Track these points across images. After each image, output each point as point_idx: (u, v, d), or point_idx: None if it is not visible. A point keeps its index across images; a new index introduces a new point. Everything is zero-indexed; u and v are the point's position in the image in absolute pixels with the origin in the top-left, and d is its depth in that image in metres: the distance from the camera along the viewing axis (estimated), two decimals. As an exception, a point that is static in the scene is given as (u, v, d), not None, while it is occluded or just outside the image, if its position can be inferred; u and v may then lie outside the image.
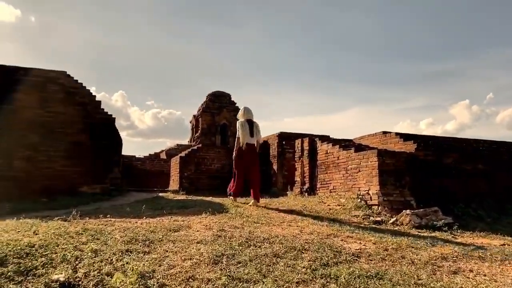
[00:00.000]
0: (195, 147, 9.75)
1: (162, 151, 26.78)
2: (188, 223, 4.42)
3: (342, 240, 4.17)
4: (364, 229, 4.84)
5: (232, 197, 6.71)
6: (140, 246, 3.31)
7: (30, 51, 74.71)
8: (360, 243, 4.10)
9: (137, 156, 26.56)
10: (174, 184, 10.02)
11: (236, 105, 27.59)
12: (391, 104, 67.70)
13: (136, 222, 4.38)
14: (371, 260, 3.50)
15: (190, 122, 28.82)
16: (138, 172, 13.79)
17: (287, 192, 8.65)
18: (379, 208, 6.03)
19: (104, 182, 8.49)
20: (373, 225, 5.31)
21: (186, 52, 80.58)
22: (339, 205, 6.49)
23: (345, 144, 7.73)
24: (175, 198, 7.93)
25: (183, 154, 9.81)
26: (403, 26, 65.73)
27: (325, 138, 8.39)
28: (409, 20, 65.09)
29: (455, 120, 76.66)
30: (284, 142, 9.59)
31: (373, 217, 5.68)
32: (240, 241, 3.66)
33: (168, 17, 77.19)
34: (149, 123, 66.18)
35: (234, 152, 6.56)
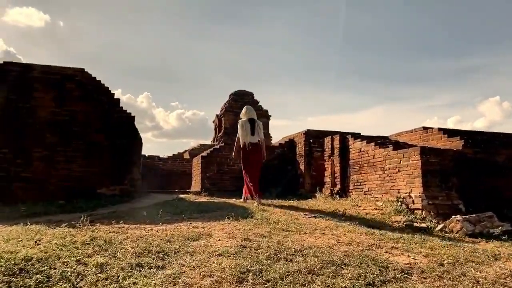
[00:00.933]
0: (217, 146, 9.34)
1: (186, 151, 26.68)
2: (209, 230, 3.98)
3: (386, 252, 3.61)
4: (409, 238, 4.25)
5: (250, 201, 6.63)
6: (153, 260, 2.88)
7: (59, 55, 77.30)
8: (408, 255, 3.53)
9: (160, 156, 26.63)
10: (196, 185, 9.65)
11: (259, 104, 27.19)
12: (416, 101, 65.49)
13: (152, 229, 3.97)
14: (425, 278, 2.95)
15: (213, 122, 28.66)
16: (160, 173, 13.56)
17: (316, 194, 8.10)
18: (423, 212, 5.40)
19: (123, 184, 8.20)
20: (419, 233, 4.70)
21: (209, 53, 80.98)
22: (376, 209, 5.90)
23: (380, 141, 7.11)
24: (196, 200, 7.55)
25: (204, 153, 9.42)
26: (427, 22, 63.37)
27: (357, 135, 7.78)
28: (433, 15, 62.70)
29: (485, 117, 73.40)
30: (311, 141, 9.04)
31: (417, 223, 5.06)
32: (268, 253, 3.18)
33: (191, 19, 77.81)
34: (174, 124, 67.13)
35: (233, 153, 6.69)
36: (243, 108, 6.65)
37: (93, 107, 8.12)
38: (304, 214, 5.37)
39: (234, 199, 8.13)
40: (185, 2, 78.55)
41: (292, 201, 7.57)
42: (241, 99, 27.32)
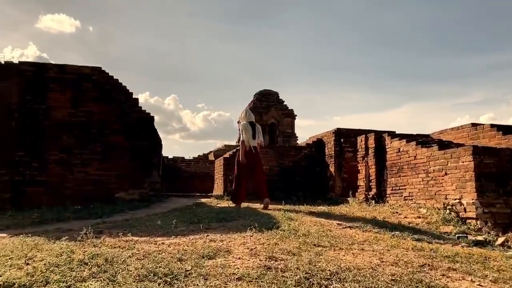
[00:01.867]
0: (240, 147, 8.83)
1: (211, 152, 26.42)
2: (228, 244, 3.46)
3: (443, 275, 2.97)
4: (467, 256, 3.57)
5: (234, 204, 6.59)
6: (159, 285, 2.38)
7: (89, 59, 79.99)
8: (472, 280, 2.89)
9: (186, 158, 26.49)
10: (218, 188, 9.19)
11: (285, 103, 26.60)
12: (445, 99, 62.87)
13: (163, 243, 3.49)
14: (501, 315, 2.29)
15: (238, 123, 28.23)
16: (183, 175, 13.24)
17: (348, 199, 7.44)
18: (478, 222, 4.67)
19: (142, 187, 7.85)
20: (476, 248, 4.00)
21: (234, 54, 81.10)
22: (419, 218, 5.21)
23: (422, 140, 6.38)
24: (217, 206, 7.07)
25: (227, 155, 8.95)
26: (456, 17, 60.64)
27: (394, 134, 7.06)
28: (459, 9, 59.90)
29: (521, 114, 69.41)
30: (342, 140, 8.38)
31: (472, 235, 4.35)
32: (298, 277, 2.63)
33: (217, 20, 78.20)
34: (200, 125, 67.85)
35: (240, 156, 6.52)
36: (243, 112, 6.65)
37: (111, 107, 7.82)
38: (338, 224, 4.76)
39: (258, 203, 7.60)
40: (210, 5, 78.97)
41: (322, 207, 6.95)
42: (265, 99, 26.82)
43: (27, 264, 2.70)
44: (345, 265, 2.99)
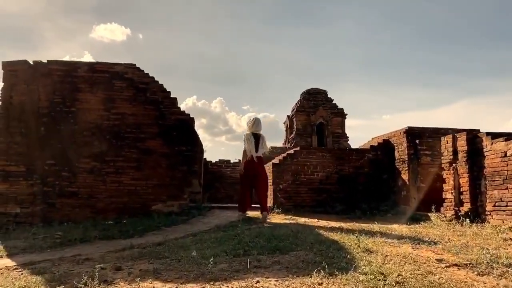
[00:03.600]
0: (292, 151, 7.65)
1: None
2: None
3: None
4: None
5: (239, 213, 6.39)
6: None
7: (140, 65, 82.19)
8: None
9: (232, 160, 25.69)
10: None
11: (334, 102, 25.05)
12: (503, 94, 57.16)
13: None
14: None
15: (284, 124, 27.21)
16: (228, 180, 12.32)
17: (429, 215, 6.00)
18: None
19: (181, 198, 6.94)
20: None
21: (278, 55, 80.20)
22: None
23: (536, 140, 4.81)
24: (267, 222, 5.93)
25: (276, 160, 7.80)
26: (508, 7, 54.87)
27: (495, 134, 5.51)
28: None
29: None
30: (417, 142, 6.91)
31: None
32: None
33: (261, 23, 77.74)
34: (246, 127, 67.42)
35: (242, 166, 6.42)
36: (250, 121, 6.50)
37: (146, 108, 6.99)
38: (438, 261, 3.42)
39: (316, 219, 6.36)
40: (254, 7, 78.70)
41: (398, 226, 5.59)
42: (313, 98, 25.45)
43: None
44: None
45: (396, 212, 6.92)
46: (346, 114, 25.22)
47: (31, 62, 6.66)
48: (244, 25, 78.93)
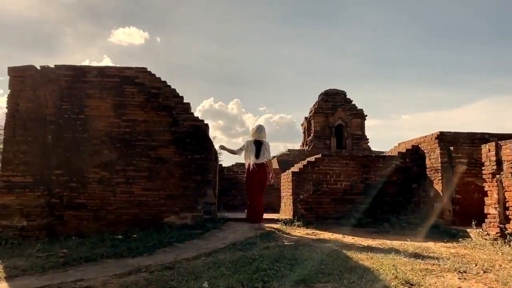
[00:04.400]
0: (313, 159, 7.13)
1: (274, 157, 24.91)
2: None
3: None
4: None
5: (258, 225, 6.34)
6: None
7: (157, 68, 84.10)
8: None
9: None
10: (286, 208, 7.58)
11: (353, 103, 24.36)
12: None
13: None
14: None
15: (302, 125, 26.64)
16: (243, 187, 11.82)
17: (468, 230, 5.40)
18: None
19: (195, 210, 6.53)
20: None
21: (295, 56, 79.76)
22: None
23: None
24: (288, 237, 5.46)
25: (296, 168, 7.30)
26: None
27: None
28: None
29: None
30: (452, 149, 6.31)
31: None
32: None
33: (277, 24, 77.41)
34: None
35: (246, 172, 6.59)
36: (254, 129, 6.52)
37: (158, 114, 6.63)
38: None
39: (341, 234, 5.84)
40: (270, 8, 78.45)
41: (434, 244, 5.02)
42: (331, 99, 24.82)
43: None
44: None
45: (428, 226, 6.32)
46: (366, 115, 24.45)
47: (38, 67, 6.37)
48: (261, 26, 78.78)
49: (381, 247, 4.86)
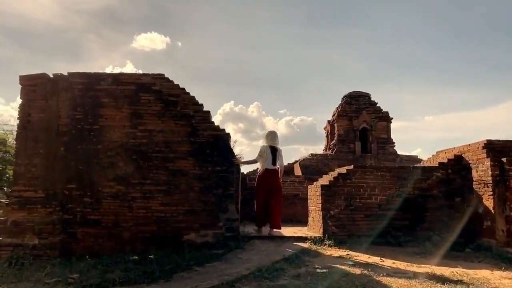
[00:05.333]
0: (344, 170, 6.51)
1: (296, 162, 24.20)
2: None
3: None
4: None
5: (257, 227, 6.77)
6: None
7: (178, 73, 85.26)
8: None
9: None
10: (314, 224, 6.97)
11: (378, 105, 23.47)
12: None
13: None
14: None
15: (325, 129, 25.90)
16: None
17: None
18: None
19: (216, 227, 6.04)
20: None
21: (315, 58, 78.84)
22: None
23: None
24: (320, 262, 4.87)
25: (325, 181, 6.68)
26: None
27: None
28: None
29: None
30: (505, 160, 5.56)
31: None
32: None
33: (297, 26, 76.74)
34: (283, 131, 68.08)
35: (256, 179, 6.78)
36: (268, 135, 6.67)
37: (177, 124, 6.20)
38: None
39: (379, 258, 5.20)
40: (290, 11, 77.99)
41: (490, 272, 4.34)
42: (355, 101, 23.97)
43: None
44: None
45: (477, 247, 5.61)
46: (392, 118, 23.52)
47: (51, 75, 6.02)
48: (281, 29, 78.33)
49: (427, 273, 4.22)
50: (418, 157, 23.56)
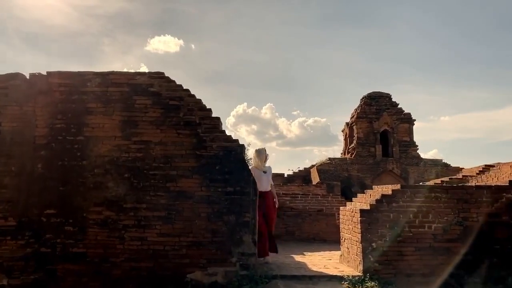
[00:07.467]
0: (389, 191, 5.17)
1: (313, 166, 22.88)
2: None
3: None
4: None
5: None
6: None
7: (192, 75, 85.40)
8: None
9: (286, 173, 23.24)
10: (349, 256, 5.63)
11: (399, 106, 21.93)
12: None
13: None
14: None
15: (343, 132, 24.51)
16: (288, 213, 9.97)
17: None
18: None
19: (228, 263, 4.81)
20: None
21: (329, 59, 77.57)
22: None
23: None
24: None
25: (365, 204, 5.36)
26: None
27: None
28: None
29: None
30: None
31: None
32: None
33: (310, 27, 75.54)
34: (296, 132, 67.01)
35: None
36: (258, 155, 6.07)
37: (179, 134, 4.99)
38: None
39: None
40: (303, 12, 76.98)
41: None
42: (375, 102, 22.64)
43: None
44: None
45: None
46: (415, 120, 22.00)
47: (27, 76, 4.88)
48: (294, 30, 77.32)
49: None
50: (443, 161, 21.89)
